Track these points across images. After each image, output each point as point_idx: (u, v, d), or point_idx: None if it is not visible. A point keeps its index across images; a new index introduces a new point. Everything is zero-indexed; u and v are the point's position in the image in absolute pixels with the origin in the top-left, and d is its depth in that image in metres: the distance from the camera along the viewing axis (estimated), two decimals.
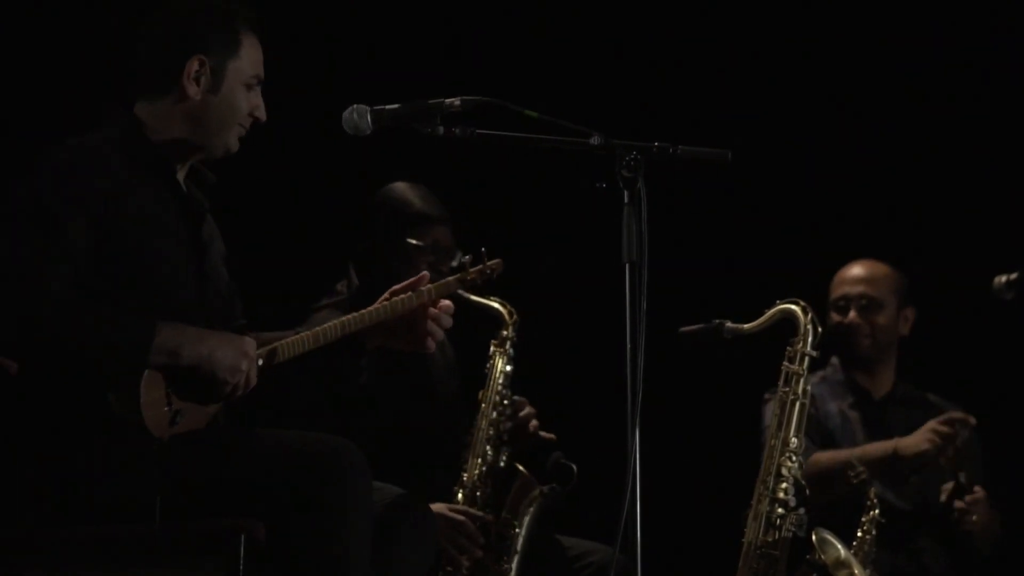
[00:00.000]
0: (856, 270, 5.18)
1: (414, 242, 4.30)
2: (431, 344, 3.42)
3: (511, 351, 4.35)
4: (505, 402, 4.32)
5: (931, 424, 4.87)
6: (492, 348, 4.36)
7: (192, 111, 3.29)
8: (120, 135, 3.26)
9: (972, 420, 4.88)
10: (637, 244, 3.17)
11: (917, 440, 4.87)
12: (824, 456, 4.87)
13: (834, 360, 5.19)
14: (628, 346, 3.14)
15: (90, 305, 3.05)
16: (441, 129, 3.26)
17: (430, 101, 3.27)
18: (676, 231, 5.36)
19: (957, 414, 4.89)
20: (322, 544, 3.01)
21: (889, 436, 5.00)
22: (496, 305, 4.36)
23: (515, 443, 4.33)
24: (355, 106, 3.29)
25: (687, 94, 5.74)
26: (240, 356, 3.08)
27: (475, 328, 4.33)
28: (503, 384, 4.32)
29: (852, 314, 5.11)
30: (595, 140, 3.25)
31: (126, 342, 3.01)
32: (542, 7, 5.75)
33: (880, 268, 5.19)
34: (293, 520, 3.02)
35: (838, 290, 5.16)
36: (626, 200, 3.19)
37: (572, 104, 3.79)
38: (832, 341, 5.10)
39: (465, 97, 3.27)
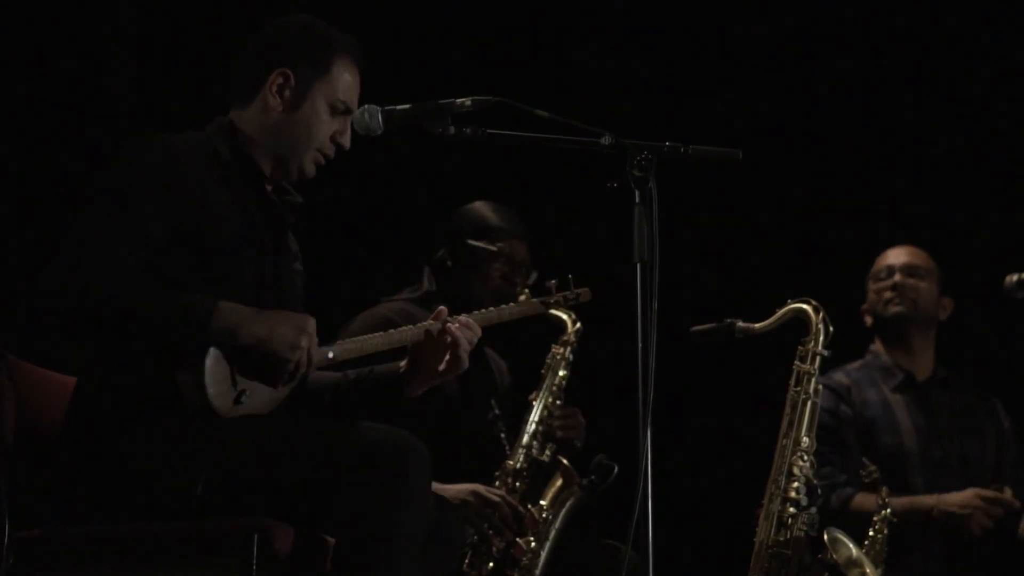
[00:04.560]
0: (900, 248, 5.25)
1: (488, 247, 4.35)
2: (464, 360, 3.35)
3: (570, 357, 4.42)
4: (558, 402, 4.38)
5: (977, 493, 4.92)
6: (553, 351, 4.43)
7: (271, 124, 3.29)
8: (216, 138, 3.28)
9: (1017, 504, 4.95)
10: (648, 244, 3.17)
11: (959, 503, 4.92)
12: (868, 503, 4.90)
13: (873, 347, 5.23)
14: (639, 345, 3.15)
15: (153, 284, 3.06)
16: (452, 129, 3.27)
17: (441, 101, 3.27)
18: (687, 231, 5.37)
19: (1006, 497, 4.95)
20: (372, 537, 2.99)
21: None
22: (562, 315, 4.43)
23: (562, 446, 4.37)
24: (366, 106, 3.31)
25: (698, 94, 5.74)
26: (298, 333, 3.07)
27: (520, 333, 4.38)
28: (558, 387, 4.38)
29: (897, 276, 5.16)
30: (606, 140, 3.25)
31: (185, 321, 3.02)
32: (552, 7, 5.76)
33: (923, 252, 5.25)
34: (345, 512, 3.01)
35: (880, 263, 5.24)
36: (637, 200, 3.19)
37: (583, 104, 3.80)
38: (874, 323, 5.18)
39: (476, 97, 3.28)
